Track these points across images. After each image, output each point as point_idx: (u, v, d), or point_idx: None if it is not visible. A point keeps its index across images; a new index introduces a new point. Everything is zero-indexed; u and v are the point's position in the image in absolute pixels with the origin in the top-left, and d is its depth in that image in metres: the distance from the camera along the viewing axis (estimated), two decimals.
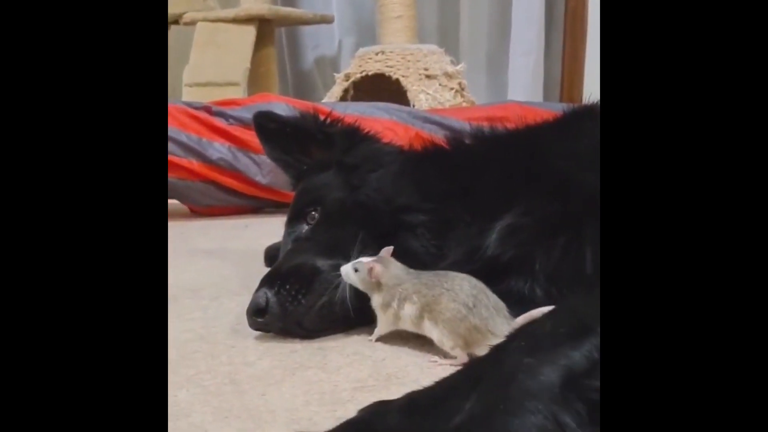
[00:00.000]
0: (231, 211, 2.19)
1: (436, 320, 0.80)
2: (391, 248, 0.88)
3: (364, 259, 0.87)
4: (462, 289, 0.80)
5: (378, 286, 0.86)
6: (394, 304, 0.84)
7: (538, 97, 3.31)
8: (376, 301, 0.87)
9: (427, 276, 0.84)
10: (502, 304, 0.80)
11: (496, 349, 0.63)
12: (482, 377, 0.57)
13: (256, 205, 2.20)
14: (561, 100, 3.35)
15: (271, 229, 1.85)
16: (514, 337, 0.62)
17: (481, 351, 0.76)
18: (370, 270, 0.85)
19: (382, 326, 0.87)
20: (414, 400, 0.59)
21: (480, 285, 0.81)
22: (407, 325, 0.84)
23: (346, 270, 0.88)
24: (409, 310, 0.82)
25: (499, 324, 0.77)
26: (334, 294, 0.89)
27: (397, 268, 0.86)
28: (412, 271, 0.86)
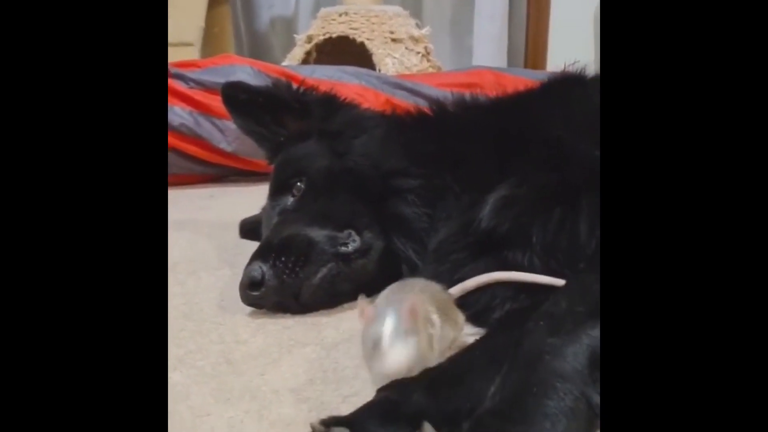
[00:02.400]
0: (193, 179, 2.11)
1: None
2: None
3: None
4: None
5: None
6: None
7: (502, 62, 3.30)
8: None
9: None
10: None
11: (511, 329, 0.62)
12: (501, 357, 0.57)
13: (220, 173, 2.13)
14: (525, 66, 3.35)
15: (238, 198, 1.81)
16: (529, 316, 0.61)
17: None
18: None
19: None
20: (435, 379, 0.58)
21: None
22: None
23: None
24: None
25: None
26: (334, 267, 0.87)
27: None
28: None
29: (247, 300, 0.87)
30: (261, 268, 0.85)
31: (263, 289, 0.85)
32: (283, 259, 0.85)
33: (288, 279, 0.85)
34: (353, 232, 0.91)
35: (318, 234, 0.89)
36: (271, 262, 0.85)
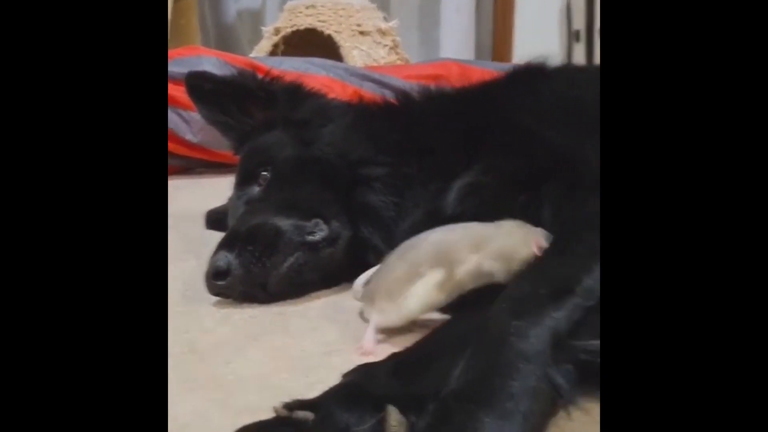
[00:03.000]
0: None
1: None
2: None
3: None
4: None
5: None
6: None
7: (470, 54, 3.32)
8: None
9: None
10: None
11: (477, 313, 0.63)
12: (465, 340, 0.57)
13: (185, 164, 2.10)
14: (492, 59, 3.37)
15: (205, 190, 1.79)
16: (494, 299, 0.62)
17: None
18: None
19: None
20: (401, 363, 0.59)
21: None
22: None
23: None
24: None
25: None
26: (302, 255, 0.87)
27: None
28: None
29: (213, 290, 0.86)
30: (227, 258, 0.84)
31: (229, 279, 0.84)
32: (249, 248, 0.85)
33: (254, 268, 0.85)
34: (320, 221, 0.91)
35: (285, 223, 0.88)
36: (237, 251, 0.85)
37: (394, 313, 0.74)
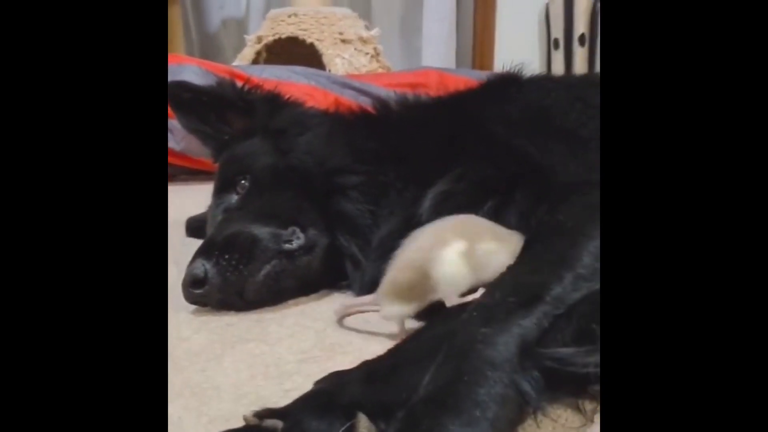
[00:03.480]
0: None
1: None
2: None
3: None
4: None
5: None
6: None
7: (451, 63, 3.35)
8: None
9: None
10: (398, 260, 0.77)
11: (447, 320, 0.63)
12: (436, 347, 0.58)
13: (168, 172, 2.10)
14: (473, 67, 3.40)
15: (187, 198, 1.79)
16: (465, 308, 0.63)
17: None
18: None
19: None
20: (372, 371, 0.59)
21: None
22: None
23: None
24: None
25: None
26: (278, 263, 0.87)
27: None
28: None
29: (190, 298, 0.87)
30: (204, 266, 0.85)
31: (206, 287, 0.85)
32: (226, 256, 0.85)
33: (231, 276, 0.85)
34: (297, 230, 0.92)
35: (262, 231, 0.89)
36: (214, 259, 0.85)
37: (419, 288, 0.73)
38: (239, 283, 0.86)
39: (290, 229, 0.92)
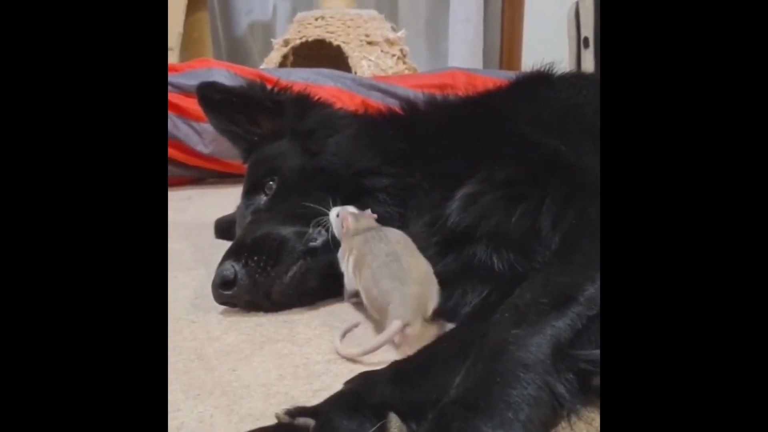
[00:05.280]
0: (171, 182, 2.10)
1: (359, 280, 0.80)
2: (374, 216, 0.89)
3: (349, 208, 0.89)
4: (378, 255, 0.79)
5: (346, 238, 0.86)
6: (344, 259, 0.85)
7: (477, 64, 3.33)
8: (340, 253, 0.87)
9: (373, 232, 0.84)
10: (414, 273, 0.77)
11: (476, 321, 0.63)
12: (466, 349, 0.57)
13: (197, 175, 2.13)
14: (500, 67, 3.38)
15: (216, 200, 1.81)
16: (497, 309, 0.62)
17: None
18: (345, 219, 0.86)
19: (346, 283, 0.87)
20: (401, 371, 0.59)
21: (398, 250, 0.79)
22: (350, 280, 0.84)
23: (333, 213, 0.90)
24: (351, 262, 0.83)
25: (395, 301, 0.73)
26: (304, 264, 0.87)
27: (365, 225, 0.86)
28: (377, 226, 0.87)
29: (220, 299, 0.87)
30: (233, 267, 0.85)
31: (235, 288, 0.85)
32: (255, 258, 0.86)
33: (260, 278, 0.86)
34: (322, 229, 0.92)
35: (289, 232, 0.90)
36: (243, 261, 0.86)
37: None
38: (267, 285, 0.86)
39: (315, 228, 0.92)
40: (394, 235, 0.84)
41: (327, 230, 0.92)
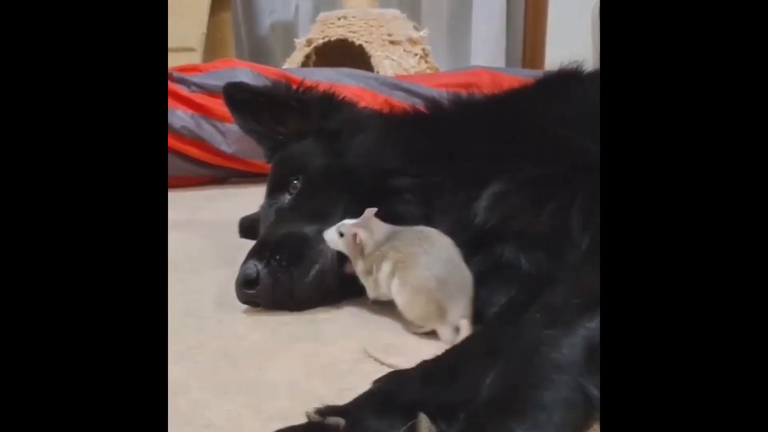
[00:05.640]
0: (194, 181, 2.12)
1: (405, 282, 0.78)
2: (374, 210, 0.85)
3: (348, 222, 0.84)
4: (440, 257, 0.78)
5: (362, 252, 0.83)
6: (374, 270, 0.82)
7: (500, 63, 3.31)
8: (359, 267, 0.84)
9: (408, 232, 0.82)
10: (468, 282, 0.78)
11: (507, 321, 0.62)
12: (497, 349, 0.57)
13: (220, 175, 2.13)
14: (523, 66, 3.35)
15: (239, 200, 1.82)
16: (525, 309, 0.61)
17: (432, 324, 0.77)
18: (354, 236, 0.82)
19: (369, 292, 0.85)
20: (431, 371, 0.58)
21: (457, 257, 0.80)
22: (383, 289, 0.82)
23: (331, 235, 0.85)
24: (385, 268, 0.80)
25: (455, 308, 0.76)
26: (326, 263, 0.87)
27: (380, 231, 0.83)
28: (395, 228, 0.84)
29: (243, 298, 0.88)
30: (256, 267, 0.85)
31: (258, 288, 0.85)
32: (277, 257, 0.86)
33: (282, 277, 0.86)
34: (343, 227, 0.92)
35: (312, 231, 0.90)
36: (266, 260, 0.86)
37: None
38: (289, 284, 0.86)
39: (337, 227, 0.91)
40: (436, 234, 0.83)
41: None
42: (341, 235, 0.84)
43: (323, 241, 0.88)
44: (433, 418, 0.53)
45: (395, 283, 0.79)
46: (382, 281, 0.81)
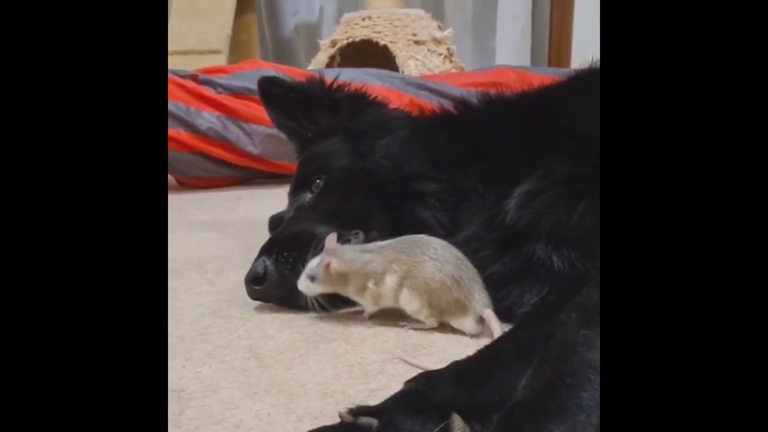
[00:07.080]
0: (220, 182, 2.14)
1: (417, 289, 0.78)
2: (335, 235, 0.81)
3: (312, 263, 0.81)
4: (447, 259, 0.78)
5: (344, 278, 0.80)
6: (370, 285, 0.80)
7: (525, 62, 3.28)
8: (350, 290, 0.82)
9: (397, 244, 0.81)
10: (475, 272, 0.79)
11: (537, 321, 0.61)
12: (530, 349, 0.56)
13: (246, 176, 2.15)
14: (549, 65, 3.32)
15: (265, 200, 1.83)
16: (557, 309, 0.60)
17: (454, 320, 0.78)
18: (327, 267, 0.79)
19: (367, 308, 0.84)
20: (463, 371, 0.57)
21: (457, 252, 0.80)
22: (389, 301, 0.81)
23: (304, 284, 0.81)
24: (390, 281, 0.79)
25: (476, 297, 0.77)
26: None
27: (349, 251, 0.81)
28: (370, 245, 0.83)
29: (252, 294, 0.88)
30: (264, 263, 0.85)
31: (265, 284, 0.85)
32: (285, 254, 0.86)
33: (289, 274, 0.85)
34: (360, 232, 0.91)
35: (324, 230, 0.89)
36: (274, 257, 0.86)
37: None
38: (295, 281, 0.85)
39: (353, 231, 0.91)
40: (429, 238, 0.82)
41: (366, 234, 0.90)
42: (313, 278, 0.81)
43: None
44: (466, 419, 0.52)
45: (404, 294, 0.79)
46: (388, 295, 0.80)
